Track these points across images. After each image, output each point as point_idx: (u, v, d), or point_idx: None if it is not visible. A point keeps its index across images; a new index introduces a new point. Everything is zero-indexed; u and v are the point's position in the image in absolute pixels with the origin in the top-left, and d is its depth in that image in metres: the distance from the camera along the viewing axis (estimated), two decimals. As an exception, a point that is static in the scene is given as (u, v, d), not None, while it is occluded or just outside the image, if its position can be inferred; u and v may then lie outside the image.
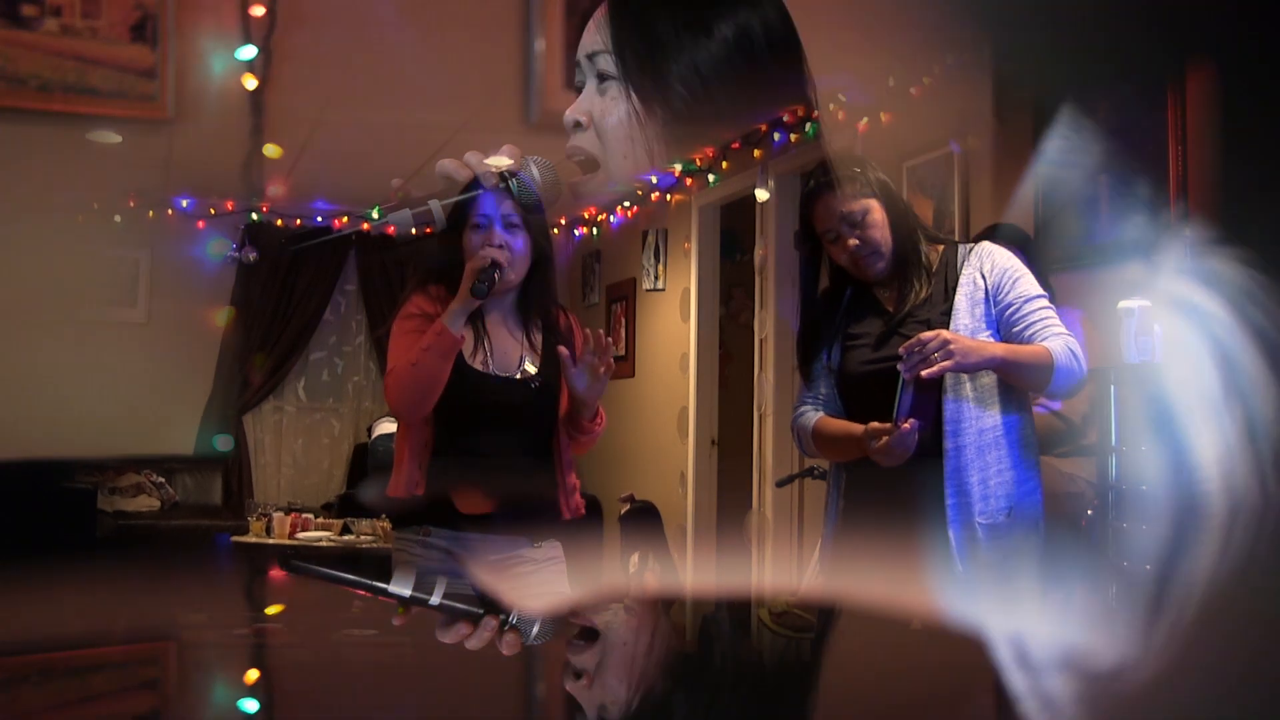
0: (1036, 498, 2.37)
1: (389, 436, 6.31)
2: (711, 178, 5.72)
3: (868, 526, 2.39)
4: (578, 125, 1.99)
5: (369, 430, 6.74)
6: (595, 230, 7.18)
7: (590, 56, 1.98)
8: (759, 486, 5.42)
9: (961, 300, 2.38)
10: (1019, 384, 2.32)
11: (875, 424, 2.28)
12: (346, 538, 5.19)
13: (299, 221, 7.12)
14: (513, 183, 2.56)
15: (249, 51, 4.21)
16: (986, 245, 2.45)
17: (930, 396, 2.24)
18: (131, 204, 6.72)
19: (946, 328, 2.33)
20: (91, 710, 1.13)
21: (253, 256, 6.90)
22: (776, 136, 4.89)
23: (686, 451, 6.08)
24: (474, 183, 2.58)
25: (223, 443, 7.09)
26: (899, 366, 2.24)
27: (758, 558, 5.39)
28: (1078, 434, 2.98)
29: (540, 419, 2.57)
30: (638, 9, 1.96)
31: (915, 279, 2.42)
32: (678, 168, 5.93)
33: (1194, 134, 3.07)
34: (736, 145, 5.39)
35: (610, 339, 2.56)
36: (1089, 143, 3.28)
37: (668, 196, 6.22)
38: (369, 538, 5.04)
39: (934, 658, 1.29)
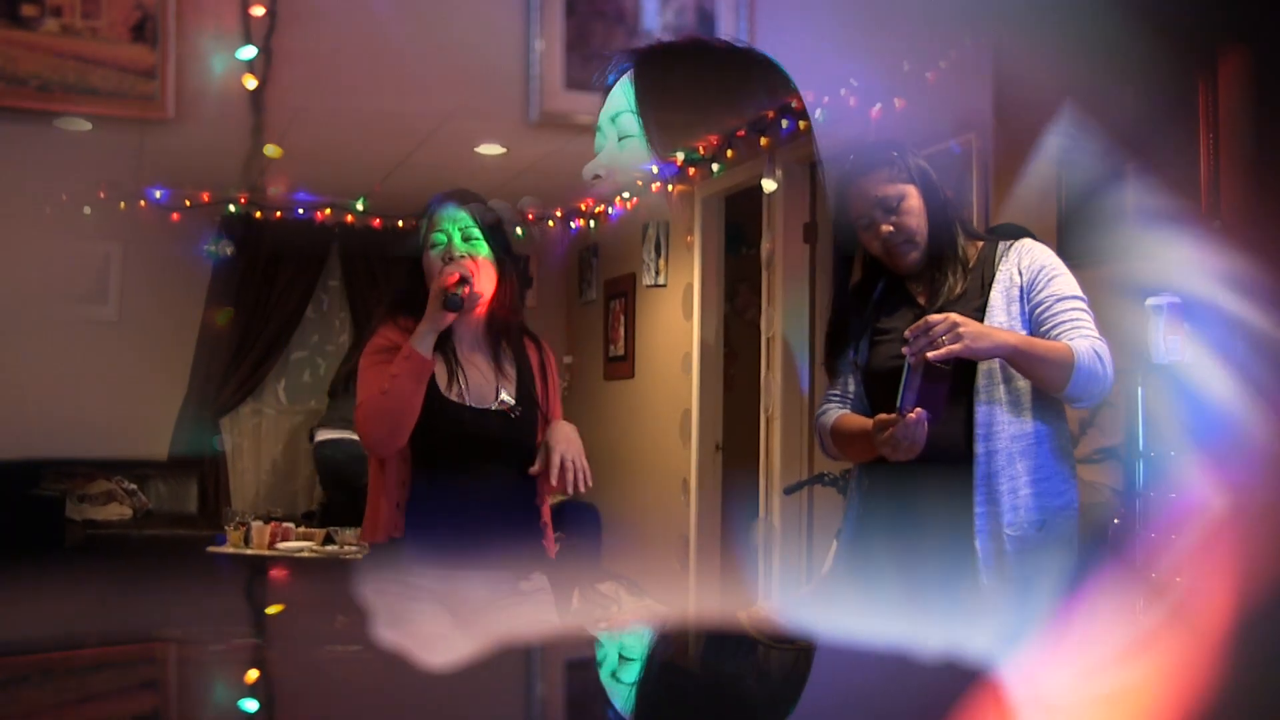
0: (1072, 511, 2.33)
1: (332, 444, 6.32)
2: (715, 167, 5.72)
3: (885, 533, 2.37)
4: (597, 178, 2.06)
5: (310, 435, 6.74)
6: (593, 223, 7.19)
7: (613, 118, 2.10)
8: (766, 494, 5.43)
9: (997, 296, 2.35)
10: (1035, 379, 2.29)
11: (883, 415, 2.27)
12: (329, 548, 5.20)
13: (279, 214, 7.13)
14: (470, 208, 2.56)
15: (249, 51, 4.27)
16: (1027, 242, 2.43)
17: (940, 387, 2.20)
18: (102, 195, 6.73)
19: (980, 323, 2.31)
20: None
21: (229, 250, 6.91)
22: (784, 123, 4.90)
23: (689, 457, 6.09)
24: (430, 204, 2.59)
25: (220, 442, 7.11)
26: (904, 350, 2.23)
27: (764, 569, 5.39)
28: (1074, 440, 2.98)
29: (520, 451, 2.57)
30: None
31: (950, 272, 2.40)
32: (680, 156, 5.94)
33: (1225, 123, 3.08)
34: (742, 133, 5.39)
35: (585, 471, 2.53)
36: (1110, 134, 3.29)
37: (669, 187, 6.23)
38: (353, 549, 5.05)
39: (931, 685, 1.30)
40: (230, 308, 7.03)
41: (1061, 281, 2.35)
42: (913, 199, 2.40)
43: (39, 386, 6.55)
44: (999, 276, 2.37)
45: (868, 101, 4.46)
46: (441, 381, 2.49)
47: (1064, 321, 2.30)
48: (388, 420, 2.43)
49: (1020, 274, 2.36)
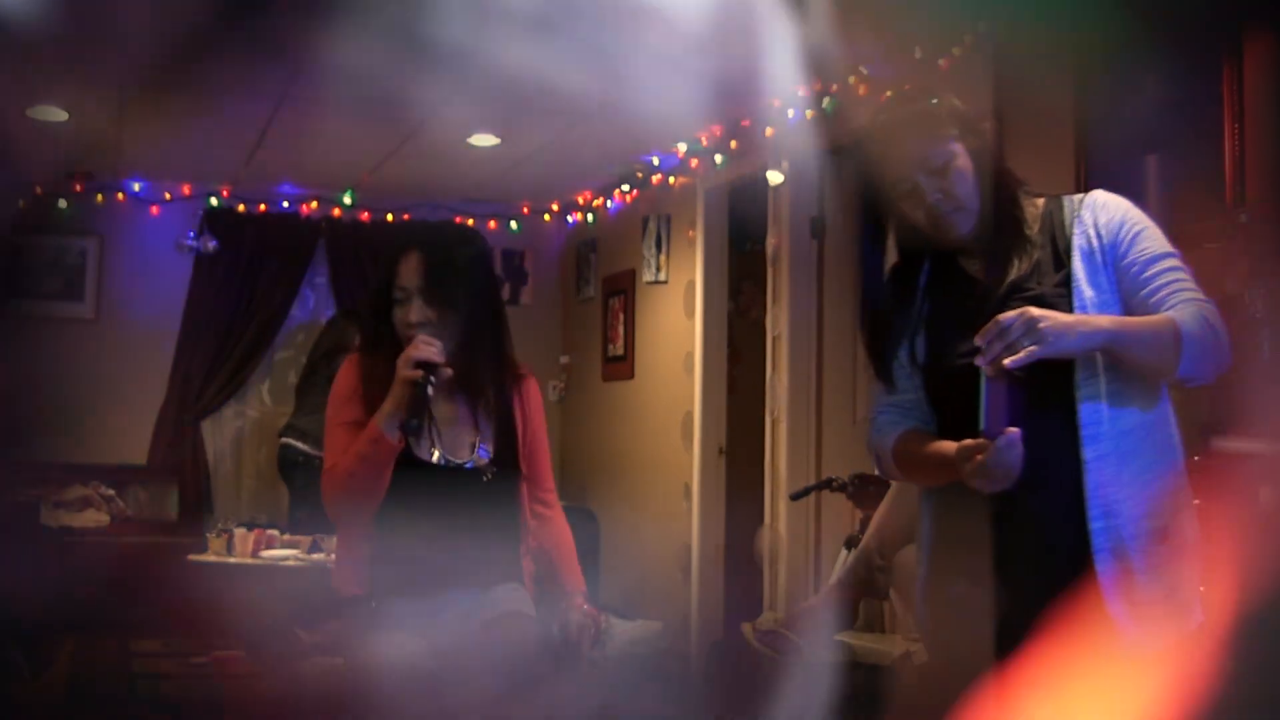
0: (1191, 512, 2.08)
1: (290, 448, 6.33)
2: (718, 158, 5.72)
3: (973, 568, 2.06)
4: None
5: (279, 435, 6.74)
6: (590, 217, 7.19)
7: None
8: (771, 500, 5.43)
9: (1080, 266, 2.07)
10: (1139, 367, 2.01)
11: (967, 441, 1.97)
12: (315, 556, 5.20)
13: (263, 207, 7.13)
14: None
15: None
16: (1099, 195, 2.15)
17: (1020, 396, 1.95)
18: (78, 188, 6.73)
19: (1063, 303, 2.04)
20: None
21: (212, 245, 6.91)
22: (790, 113, 4.89)
23: (691, 461, 6.09)
24: (393, 251, 2.54)
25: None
26: (978, 360, 1.95)
27: (770, 578, 5.39)
28: None
29: (496, 511, 2.56)
30: None
31: (1014, 242, 2.12)
32: (681, 147, 5.93)
33: (1252, 109, 3.07)
34: (746, 122, 5.39)
35: (592, 639, 2.53)
36: (1131, 123, 3.29)
37: (670, 179, 6.22)
38: (340, 556, 5.05)
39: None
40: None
41: (1148, 237, 2.07)
42: (961, 158, 2.11)
43: (11, 387, 6.55)
44: (1076, 242, 2.09)
45: (877, 90, 4.45)
46: (411, 439, 2.47)
47: (1161, 286, 2.02)
48: (353, 500, 2.43)
49: (1099, 234, 2.08)
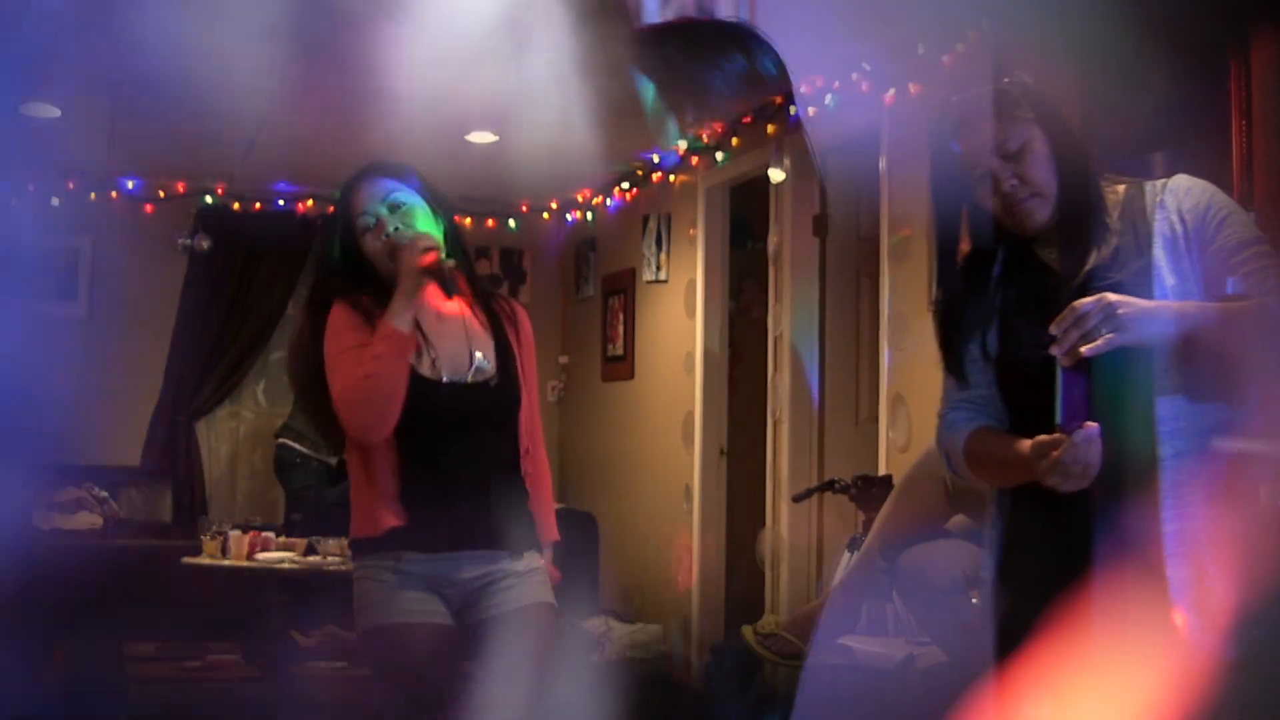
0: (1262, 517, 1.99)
1: (287, 448, 6.34)
2: (720, 156, 5.72)
3: (1044, 576, 2.00)
4: None
5: (276, 435, 6.74)
6: (590, 215, 7.19)
7: None
8: (773, 502, 5.43)
9: (1162, 254, 1.98)
10: (1226, 357, 1.90)
11: (1043, 437, 1.89)
12: (312, 558, 5.20)
13: (258, 205, 7.12)
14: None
15: None
16: (1182, 180, 2.06)
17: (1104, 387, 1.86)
18: (71, 185, 6.73)
19: (1143, 293, 1.93)
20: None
21: (206, 244, 6.91)
22: (793, 110, 4.89)
23: (692, 462, 6.09)
24: (345, 186, 2.62)
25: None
26: (1053, 350, 1.86)
27: (771, 581, 5.40)
28: None
29: (504, 422, 2.59)
30: None
31: (1094, 230, 2.03)
32: (682, 144, 5.93)
33: (1260, 107, 3.08)
34: (748, 119, 5.39)
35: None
36: (1136, 121, 3.29)
37: (671, 177, 6.23)
38: (336, 559, 5.04)
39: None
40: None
41: (1236, 222, 1.99)
42: (1038, 142, 2.03)
43: (2, 388, 6.54)
44: (1158, 229, 2.00)
45: (880, 86, 4.46)
46: (412, 358, 2.49)
47: (1251, 273, 1.92)
48: (376, 403, 2.42)
49: (1183, 220, 2.00)
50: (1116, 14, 3.03)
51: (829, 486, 4.28)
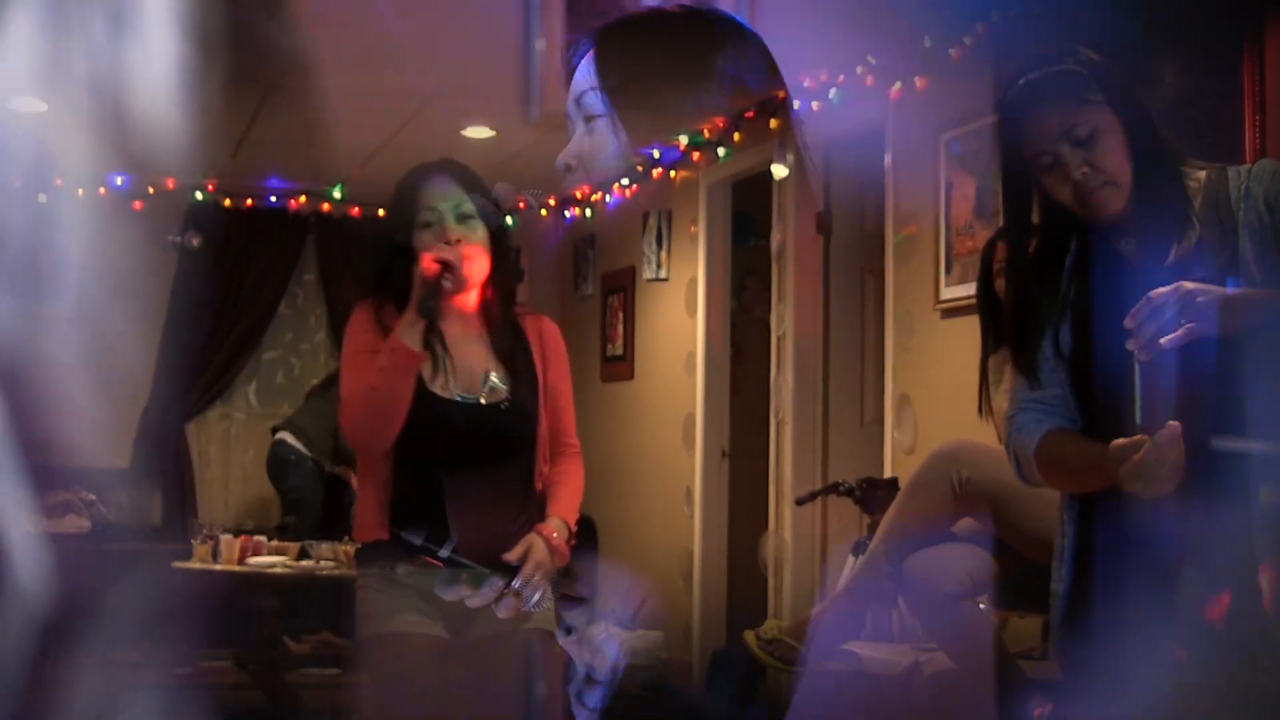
0: None
1: (284, 445, 6.35)
2: (722, 151, 5.72)
3: (1124, 586, 1.91)
4: (569, 169, 1.95)
5: (273, 430, 6.74)
6: (589, 212, 7.18)
7: (577, 99, 1.88)
8: (776, 504, 5.43)
9: (1248, 246, 1.89)
10: None
11: (1121, 440, 1.77)
12: (304, 563, 5.20)
13: (250, 202, 7.12)
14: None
15: None
16: (1269, 165, 1.97)
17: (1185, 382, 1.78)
18: (59, 182, 6.72)
19: (1228, 283, 1.84)
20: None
21: (196, 242, 6.91)
22: (796, 104, 4.89)
23: (693, 464, 6.09)
24: (416, 177, 2.57)
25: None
26: (1129, 344, 1.77)
27: (774, 585, 5.39)
28: None
29: (514, 443, 2.58)
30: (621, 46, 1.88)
31: (1174, 220, 1.95)
32: (683, 140, 5.93)
33: (1273, 102, 3.08)
34: (750, 114, 5.38)
35: (535, 598, 2.47)
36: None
37: (671, 173, 6.22)
38: (329, 563, 5.04)
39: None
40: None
41: None
42: (1109, 127, 1.94)
43: (-10, 389, 6.54)
44: (1244, 219, 1.91)
45: (886, 80, 4.46)
46: (426, 373, 2.49)
47: None
48: (374, 417, 2.44)
49: (1270, 208, 1.90)
50: (1129, 6, 3.03)
51: (833, 489, 4.27)
